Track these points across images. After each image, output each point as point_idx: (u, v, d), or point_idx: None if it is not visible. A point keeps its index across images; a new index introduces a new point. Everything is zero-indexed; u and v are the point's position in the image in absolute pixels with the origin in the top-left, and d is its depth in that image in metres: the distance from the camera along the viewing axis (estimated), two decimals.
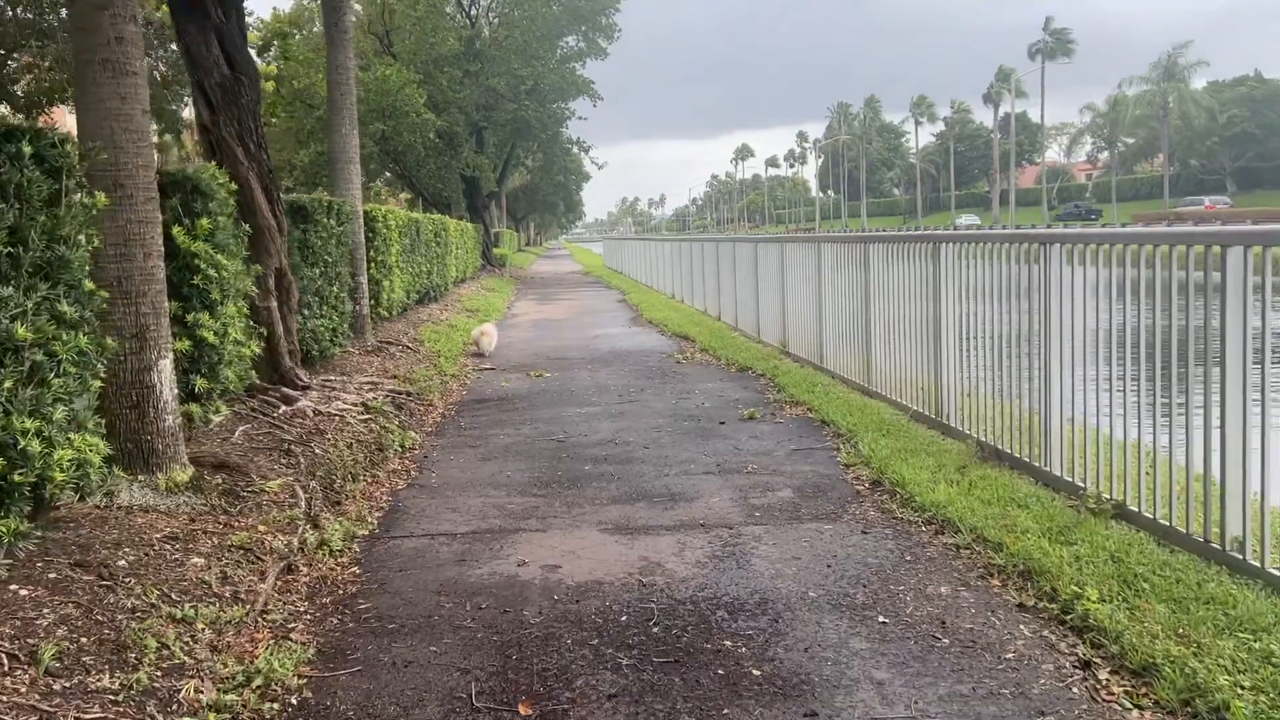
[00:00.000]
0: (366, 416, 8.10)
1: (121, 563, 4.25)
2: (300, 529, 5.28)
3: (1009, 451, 6.51)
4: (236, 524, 5.12)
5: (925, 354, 8.03)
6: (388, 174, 37.36)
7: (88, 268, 4.32)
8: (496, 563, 5.17)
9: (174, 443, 5.31)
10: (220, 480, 5.54)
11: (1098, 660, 3.82)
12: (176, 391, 5.40)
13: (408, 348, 12.66)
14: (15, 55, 21.02)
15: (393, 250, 13.98)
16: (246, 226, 7.79)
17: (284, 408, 7.55)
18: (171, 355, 5.35)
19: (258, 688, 3.69)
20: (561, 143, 36.74)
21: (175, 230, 5.67)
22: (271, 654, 3.95)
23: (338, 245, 10.28)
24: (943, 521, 5.50)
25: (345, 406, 8.16)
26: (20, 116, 22.90)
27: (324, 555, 5.18)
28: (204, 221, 5.78)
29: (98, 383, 4.39)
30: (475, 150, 33.92)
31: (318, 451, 6.70)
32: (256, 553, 4.85)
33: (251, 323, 7.19)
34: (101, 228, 4.79)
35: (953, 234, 7.87)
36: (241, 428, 6.82)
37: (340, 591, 4.80)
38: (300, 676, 3.84)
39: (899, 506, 5.91)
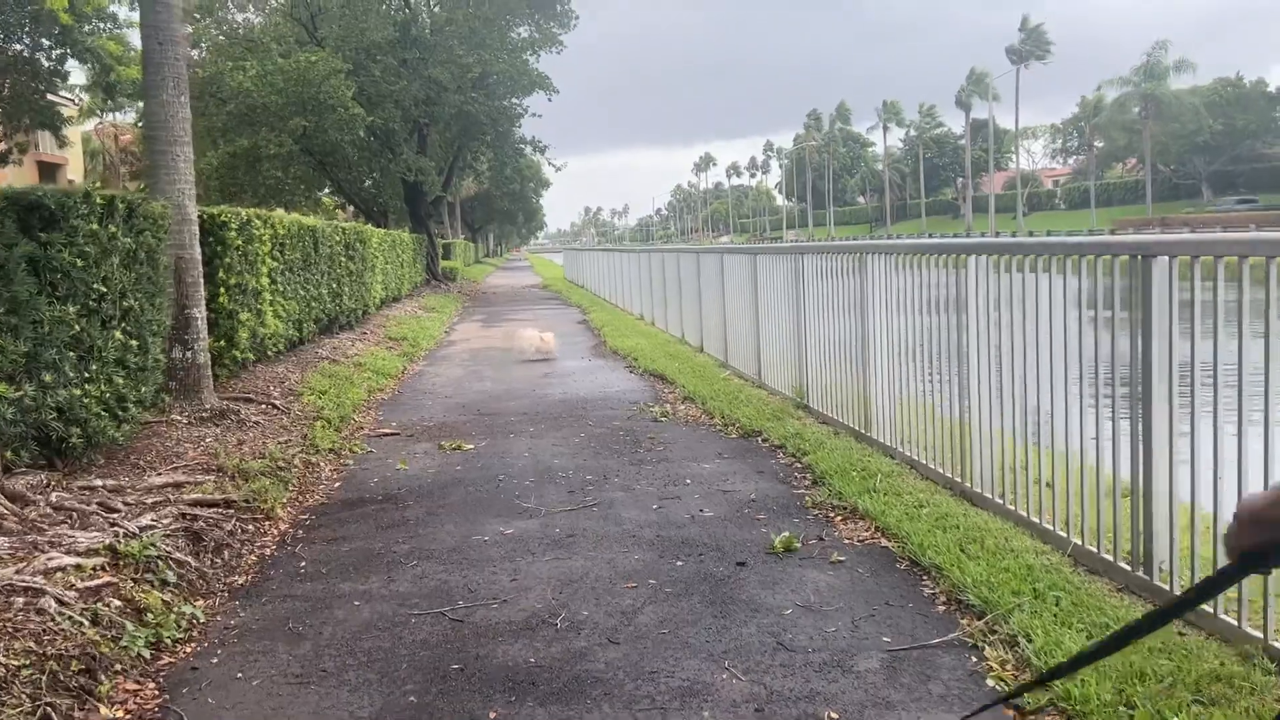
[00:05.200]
0: (101, 582, 4.42)
1: None
2: None
3: None
4: None
5: (1112, 434, 4.54)
6: (329, 186, 33.32)
7: None
8: None
9: None
10: None
11: None
12: None
13: (274, 406, 8.95)
14: None
15: (262, 269, 10.25)
16: None
17: None
18: None
19: None
20: (513, 142, 32.87)
21: None
22: None
23: (128, 266, 6.58)
24: None
25: (66, 562, 4.48)
26: None
27: None
28: None
29: None
30: (417, 151, 30.07)
31: None
32: None
33: None
34: None
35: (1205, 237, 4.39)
36: None
37: None
38: None
39: None
